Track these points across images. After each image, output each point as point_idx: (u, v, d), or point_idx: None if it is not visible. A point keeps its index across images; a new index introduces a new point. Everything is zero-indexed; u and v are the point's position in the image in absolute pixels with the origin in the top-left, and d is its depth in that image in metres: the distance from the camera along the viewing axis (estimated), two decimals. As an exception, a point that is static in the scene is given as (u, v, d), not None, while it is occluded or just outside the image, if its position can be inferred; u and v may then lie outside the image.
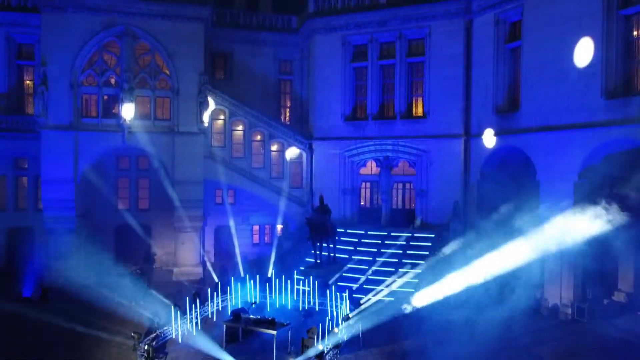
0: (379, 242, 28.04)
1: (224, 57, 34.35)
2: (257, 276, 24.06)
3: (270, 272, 25.42)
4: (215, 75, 34.20)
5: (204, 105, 29.85)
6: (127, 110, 28.83)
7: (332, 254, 23.27)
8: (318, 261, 22.28)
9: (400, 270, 25.03)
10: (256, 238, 34.62)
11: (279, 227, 32.63)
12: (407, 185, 30.56)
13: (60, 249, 28.30)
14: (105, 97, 29.42)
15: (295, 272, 25.19)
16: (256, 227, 34.48)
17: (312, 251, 22.52)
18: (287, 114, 36.11)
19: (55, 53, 28.04)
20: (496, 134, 26.53)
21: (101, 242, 31.49)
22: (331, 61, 31.53)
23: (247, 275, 24.82)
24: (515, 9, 25.66)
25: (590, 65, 21.67)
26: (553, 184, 23.27)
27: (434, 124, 28.92)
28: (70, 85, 28.29)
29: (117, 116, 29.18)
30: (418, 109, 29.89)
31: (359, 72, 31.42)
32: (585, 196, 22.11)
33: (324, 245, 25.31)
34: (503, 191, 26.83)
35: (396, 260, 26.29)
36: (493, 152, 26.97)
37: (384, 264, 26.11)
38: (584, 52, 22.00)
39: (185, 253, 30.34)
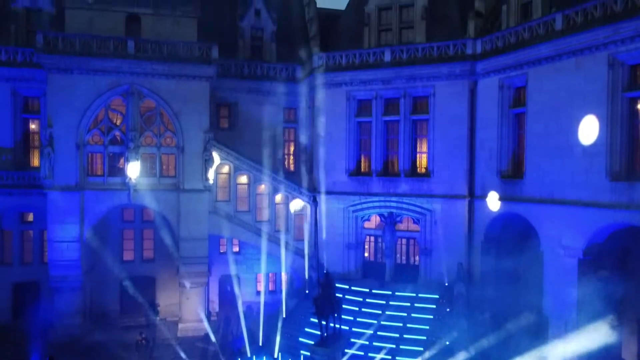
0: (383, 302, 28.12)
1: (228, 106, 34.46)
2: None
3: (277, 350, 25.67)
4: (220, 124, 34.34)
5: (209, 162, 30.00)
6: (133, 169, 29.01)
7: (337, 325, 23.40)
8: (325, 334, 22.42)
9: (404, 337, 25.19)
10: (260, 286, 34.78)
11: (284, 281, 32.76)
12: (412, 241, 30.65)
13: (66, 307, 28.58)
14: (111, 155, 29.56)
15: (299, 338, 25.29)
16: (260, 276, 34.63)
17: (319, 322, 22.64)
18: (292, 162, 36.18)
19: (61, 114, 28.22)
20: (500, 199, 26.62)
21: (107, 295, 31.93)
22: (335, 115, 31.62)
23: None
24: (519, 76, 25.78)
25: (595, 144, 21.77)
26: (557, 258, 23.40)
27: (438, 183, 29.01)
28: (76, 145, 28.47)
29: (123, 174, 29.36)
30: (422, 167, 29.96)
31: (363, 126, 31.52)
32: (590, 274, 22.28)
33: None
34: (507, 255, 27.10)
35: (401, 324, 26.46)
36: (497, 215, 27.07)
37: (388, 328, 26.25)
38: (588, 129, 22.11)
39: (190, 308, 30.44)
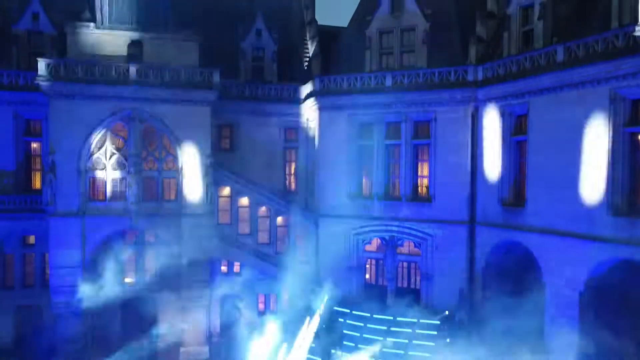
0: (385, 328, 28.17)
1: (229, 127, 34.48)
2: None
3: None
4: (221, 144, 34.37)
5: (210, 186, 30.04)
6: (134, 194, 29.06)
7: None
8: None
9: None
10: (261, 306, 34.86)
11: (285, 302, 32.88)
12: (413, 265, 30.68)
13: (68, 332, 28.66)
14: (113, 180, 29.59)
15: None
16: (262, 297, 34.71)
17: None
18: (293, 181, 36.20)
19: (63, 140, 28.26)
20: (501, 227, 26.66)
21: (108, 318, 31.91)
22: (337, 138, 31.65)
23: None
24: (520, 104, 25.81)
25: (597, 178, 21.81)
26: (558, 289, 23.47)
27: (439, 208, 29.04)
28: (78, 171, 28.53)
29: (125, 199, 29.42)
30: (424, 191, 29.98)
31: (364, 149, 31.51)
32: (592, 307, 22.33)
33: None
34: (509, 282, 27.15)
35: (402, 351, 26.53)
36: (499, 242, 27.10)
37: (389, 356, 26.34)
38: (589, 163, 22.19)
39: (192, 332, 30.54)
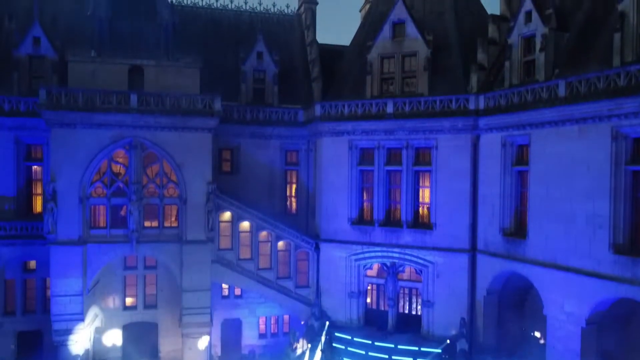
0: (386, 356, 28.16)
1: (231, 150, 34.52)
2: None
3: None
4: (223, 167, 34.44)
5: (211, 213, 30.00)
6: (135, 221, 29.05)
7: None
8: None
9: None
10: (263, 329, 34.92)
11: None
12: (414, 291, 30.67)
13: (69, 359, 28.61)
14: (114, 207, 29.55)
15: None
16: (263, 319, 34.75)
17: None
18: (294, 203, 36.18)
19: (64, 168, 28.20)
20: (503, 257, 26.63)
21: (109, 342, 31.97)
22: (338, 163, 31.68)
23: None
24: (522, 135, 25.81)
25: (599, 215, 21.80)
26: (560, 323, 23.42)
27: (440, 236, 29.02)
28: (79, 199, 28.44)
29: (126, 226, 29.37)
30: (425, 218, 29.97)
31: (365, 175, 31.54)
32: (594, 342, 22.32)
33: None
34: (510, 311, 27.20)
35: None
36: (500, 272, 27.07)
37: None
38: (592, 198, 22.15)
39: (193, 357, 30.46)
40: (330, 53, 39.66)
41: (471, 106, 27.99)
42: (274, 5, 40.23)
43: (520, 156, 26.54)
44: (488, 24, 31.34)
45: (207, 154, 30.09)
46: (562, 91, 23.13)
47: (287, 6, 40.68)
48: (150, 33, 30.02)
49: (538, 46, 25.76)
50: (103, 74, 29.46)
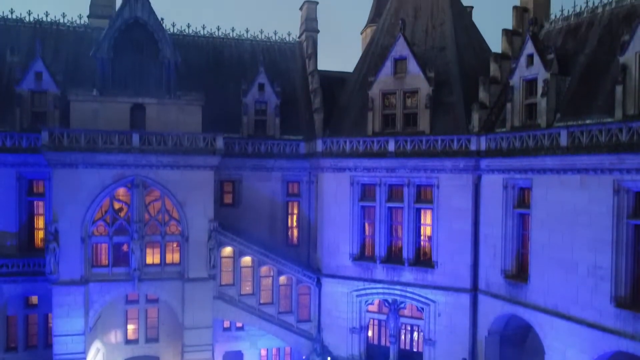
0: (388, 396, 28.27)
1: (232, 182, 34.53)
2: None
3: None
4: (224, 200, 34.47)
5: (213, 251, 30.07)
6: (137, 259, 29.11)
7: None
8: None
9: None
10: (264, 360, 34.99)
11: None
12: (416, 327, 30.67)
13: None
14: (116, 246, 29.60)
15: None
16: (264, 351, 34.75)
17: None
18: (295, 235, 36.19)
19: (66, 208, 28.25)
20: (505, 299, 26.66)
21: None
22: (339, 198, 31.72)
23: None
24: (523, 179, 25.84)
25: (600, 267, 21.83)
26: (562, 372, 23.45)
27: (442, 275, 29.05)
28: (81, 239, 28.50)
29: (128, 264, 29.44)
30: (426, 256, 29.98)
31: (367, 211, 31.58)
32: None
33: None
34: (512, 352, 27.17)
35: None
36: (502, 314, 27.10)
37: None
38: (594, 249, 22.18)
39: (195, 392, 30.54)
40: (332, 80, 39.82)
41: (473, 147, 28.01)
42: (275, 34, 40.26)
43: (521, 199, 26.57)
44: (489, 59, 31.48)
45: (209, 191, 30.13)
46: (563, 140, 23.16)
47: (289, 34, 40.71)
48: (152, 71, 30.08)
49: (540, 91, 25.80)
50: (105, 112, 29.56)
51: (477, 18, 39.70)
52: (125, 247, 29.81)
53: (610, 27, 25.80)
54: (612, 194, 21.39)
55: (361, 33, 49.21)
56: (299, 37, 41.08)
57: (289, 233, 36.17)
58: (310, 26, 40.01)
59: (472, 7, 40.60)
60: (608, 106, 22.94)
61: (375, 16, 46.54)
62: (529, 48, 26.41)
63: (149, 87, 30.18)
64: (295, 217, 36.21)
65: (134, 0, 29.15)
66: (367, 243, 31.66)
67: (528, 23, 27.32)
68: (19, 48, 34.40)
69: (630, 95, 21.65)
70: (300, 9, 41.58)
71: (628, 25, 24.57)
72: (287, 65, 39.52)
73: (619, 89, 21.89)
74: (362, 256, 31.51)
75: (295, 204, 36.03)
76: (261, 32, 40.02)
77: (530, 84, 26.79)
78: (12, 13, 35.31)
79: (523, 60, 26.79)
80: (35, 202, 32.31)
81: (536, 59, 26.01)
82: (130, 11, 29.18)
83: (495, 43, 32.90)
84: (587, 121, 23.63)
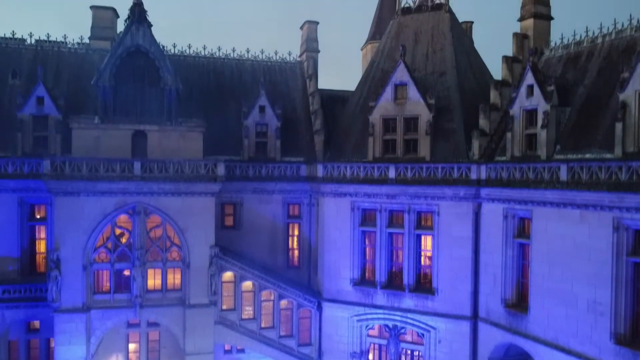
0: (388, 423, 28.38)
1: (233, 205, 34.57)
2: None
3: None
4: (225, 222, 34.50)
5: (215, 277, 30.18)
6: (139, 286, 29.23)
7: None
8: None
9: None
10: (265, 383, 35.06)
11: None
12: (416, 352, 30.78)
13: None
14: (117, 272, 29.71)
15: None
16: (265, 374, 34.90)
17: None
18: (296, 256, 36.29)
19: (68, 235, 28.36)
20: (505, 329, 26.77)
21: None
22: (340, 223, 31.81)
23: None
24: (524, 210, 25.95)
25: (600, 303, 21.95)
26: (562, 405, 23.56)
27: (442, 301, 29.15)
28: (83, 266, 28.61)
29: (129, 290, 29.55)
30: (427, 282, 30.07)
31: (367, 236, 31.66)
32: None
33: None
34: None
35: None
36: (502, 343, 27.21)
37: None
38: (593, 285, 22.29)
39: (196, 421, 30.64)
40: (332, 98, 40.07)
41: (473, 175, 28.12)
42: (275, 53, 40.35)
43: (521, 229, 26.67)
44: (489, 84, 31.66)
45: (210, 218, 30.24)
46: (563, 175, 23.27)
47: (289, 53, 40.77)
48: (153, 98, 30.19)
49: (540, 123, 25.92)
50: (107, 139, 29.69)
51: (476, 33, 40.01)
52: (126, 272, 29.92)
53: (609, 59, 25.93)
54: (612, 231, 21.48)
55: (361, 49, 49.37)
56: (300, 57, 41.19)
57: (290, 254, 36.27)
58: (310, 46, 40.11)
59: (472, 22, 40.87)
60: (608, 141, 23.07)
61: (375, 33, 46.74)
62: (529, 79, 26.53)
63: (151, 114, 30.29)
64: (296, 238, 36.31)
65: (135, 28, 29.20)
66: (368, 268, 31.76)
67: (528, 53, 27.45)
68: (21, 70, 34.55)
69: (630, 132, 21.77)
70: (301, 28, 41.68)
71: (628, 57, 24.80)
72: (288, 85, 39.61)
73: (618, 126, 22.01)
74: (363, 281, 31.61)
75: (296, 226, 36.14)
76: (262, 52, 40.09)
77: (530, 114, 26.91)
78: (13, 35, 35.40)
79: (523, 90, 26.91)
80: (37, 227, 32.48)
81: (536, 90, 26.13)
82: (131, 39, 29.27)
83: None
84: (587, 155, 23.79)
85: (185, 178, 29.38)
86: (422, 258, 30.46)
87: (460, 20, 39.27)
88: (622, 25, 26.17)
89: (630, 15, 25.62)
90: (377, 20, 47.61)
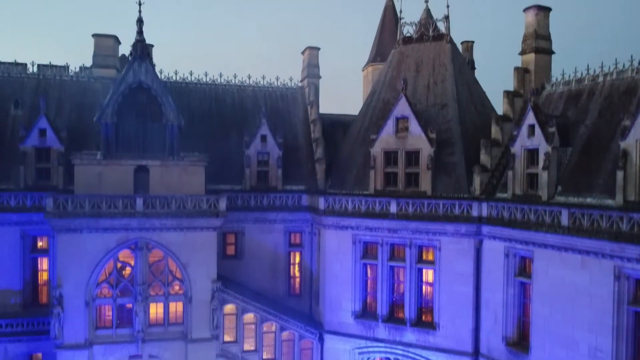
0: None
1: (234, 234, 34.75)
2: None
3: None
4: (226, 251, 34.69)
5: (216, 311, 30.25)
6: (141, 321, 29.32)
7: None
8: None
9: None
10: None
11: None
12: (418, 385, 30.90)
13: None
14: (120, 307, 29.80)
15: None
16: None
17: None
18: (297, 284, 36.43)
19: (71, 272, 28.43)
20: (506, 367, 26.90)
21: None
22: (341, 255, 31.89)
23: None
24: (525, 250, 26.03)
25: (600, 350, 22.04)
26: None
27: (444, 337, 29.22)
28: (85, 302, 28.69)
29: (131, 325, 29.63)
30: (428, 317, 30.16)
31: (369, 268, 31.75)
32: None
33: None
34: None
35: None
36: (503, 380, 27.35)
37: None
38: (594, 332, 22.35)
39: None
40: (334, 124, 40.28)
41: (474, 213, 28.20)
42: (277, 79, 40.45)
43: (522, 267, 26.75)
44: (490, 115, 31.78)
45: (212, 253, 30.29)
46: (564, 220, 23.34)
47: (291, 79, 40.86)
48: (155, 133, 30.27)
49: (541, 164, 26.00)
50: (109, 174, 29.75)
51: (478, 53, 40.19)
52: (129, 306, 30.01)
53: (610, 100, 26.01)
54: (614, 279, 21.55)
55: (363, 70, 49.41)
56: (301, 82, 41.26)
57: (292, 283, 36.39)
58: (312, 72, 40.15)
59: (472, 42, 41.00)
60: (609, 186, 23.16)
61: (376, 55, 46.81)
62: (531, 118, 26.61)
63: (153, 149, 30.38)
64: (297, 266, 36.44)
65: (137, 64, 29.27)
66: (369, 300, 31.84)
67: (530, 93, 27.54)
68: (23, 100, 34.75)
69: (631, 181, 21.86)
70: (302, 53, 41.73)
71: (628, 99, 24.96)
72: (289, 111, 39.71)
73: (619, 174, 22.08)
74: (364, 314, 31.69)
75: (298, 254, 36.27)
76: (263, 78, 40.19)
77: (531, 153, 26.99)
78: (16, 66, 35.49)
79: (524, 130, 26.99)
80: (39, 258, 32.63)
81: (537, 131, 26.22)
82: (134, 75, 29.34)
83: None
84: (588, 199, 23.89)
85: (187, 213, 29.46)
86: (424, 292, 30.53)
87: (462, 39, 39.92)
88: (624, 66, 26.22)
89: (632, 57, 25.72)
90: (378, 42, 47.66)
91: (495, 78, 42.25)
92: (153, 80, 29.55)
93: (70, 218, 27.94)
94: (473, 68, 39.91)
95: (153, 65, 29.99)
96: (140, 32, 29.44)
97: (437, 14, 36.16)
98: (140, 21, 29.54)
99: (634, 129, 21.86)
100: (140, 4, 29.43)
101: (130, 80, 29.31)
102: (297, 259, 36.33)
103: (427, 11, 38.07)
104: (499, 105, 32.24)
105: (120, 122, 29.78)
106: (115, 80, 31.16)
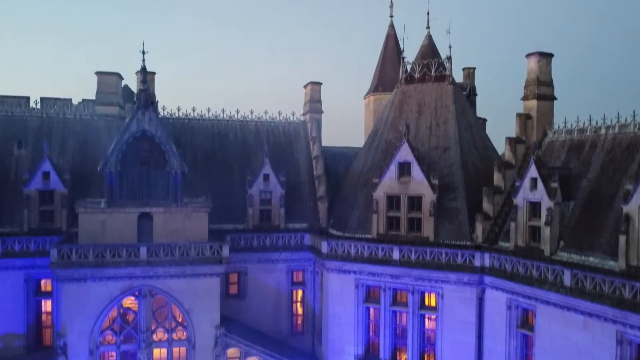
0: None
1: (237, 273, 34.93)
2: None
3: None
4: (229, 290, 34.88)
5: (220, 357, 30.37)
6: (145, 368, 29.48)
7: None
8: None
9: None
10: None
11: None
12: None
13: None
14: (123, 354, 29.90)
15: None
16: None
17: None
18: (300, 322, 36.60)
19: (74, 321, 28.51)
20: (508, 419, 27.01)
21: None
22: (344, 299, 31.98)
23: None
24: (527, 304, 26.14)
25: (603, 411, 22.16)
26: None
27: (446, 384, 29.40)
28: (89, 351, 28.80)
29: (135, 371, 29.81)
30: (431, 364, 30.37)
31: (371, 312, 31.85)
32: None
33: None
34: None
35: None
36: None
37: None
38: (596, 392, 22.49)
39: None
40: (336, 158, 40.53)
41: (477, 263, 28.34)
42: (279, 114, 40.58)
43: (525, 319, 26.87)
44: (492, 159, 31.91)
45: (215, 298, 30.40)
46: (567, 280, 23.47)
47: (293, 114, 40.97)
48: (159, 180, 30.37)
49: (543, 219, 26.10)
50: (113, 222, 29.82)
51: (479, 78, 40.45)
52: (132, 356, 30.13)
53: (613, 155, 26.11)
54: (616, 343, 21.67)
55: (364, 97, 49.48)
56: (303, 115, 41.39)
57: (294, 321, 36.58)
58: (314, 108, 40.29)
59: (474, 68, 41.21)
60: (611, 247, 23.26)
61: (378, 85, 46.87)
62: (533, 172, 26.70)
63: (156, 196, 30.48)
64: (299, 304, 36.61)
65: (141, 113, 29.37)
66: (372, 344, 31.94)
67: (533, 147, 27.65)
68: (26, 140, 34.86)
69: (634, 245, 21.93)
70: (305, 87, 41.83)
71: (630, 155, 25.12)
72: (292, 146, 39.84)
73: (622, 238, 22.17)
74: (367, 357, 31.78)
75: (300, 292, 36.47)
76: (265, 112, 40.34)
77: (534, 206, 27.07)
78: (20, 106, 35.59)
79: (527, 182, 27.09)
80: (43, 301, 32.73)
81: (540, 185, 26.32)
82: (137, 124, 29.43)
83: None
84: (591, 258, 23.96)
85: (190, 261, 29.57)
86: (426, 338, 30.64)
87: (463, 65, 40.12)
88: (626, 120, 26.32)
89: (634, 112, 25.80)
90: (380, 71, 47.68)
91: (497, 104, 42.30)
92: (157, 129, 29.66)
93: (74, 268, 28.07)
94: (474, 94, 40.18)
95: (157, 114, 30.11)
96: (144, 81, 29.54)
97: (438, 38, 36.57)
98: (144, 70, 29.65)
99: (637, 194, 21.95)
100: (143, 53, 29.53)
101: (134, 129, 29.41)
102: (300, 297, 36.49)
103: (429, 37, 38.39)
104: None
105: (124, 170, 29.88)
106: (119, 128, 31.28)
